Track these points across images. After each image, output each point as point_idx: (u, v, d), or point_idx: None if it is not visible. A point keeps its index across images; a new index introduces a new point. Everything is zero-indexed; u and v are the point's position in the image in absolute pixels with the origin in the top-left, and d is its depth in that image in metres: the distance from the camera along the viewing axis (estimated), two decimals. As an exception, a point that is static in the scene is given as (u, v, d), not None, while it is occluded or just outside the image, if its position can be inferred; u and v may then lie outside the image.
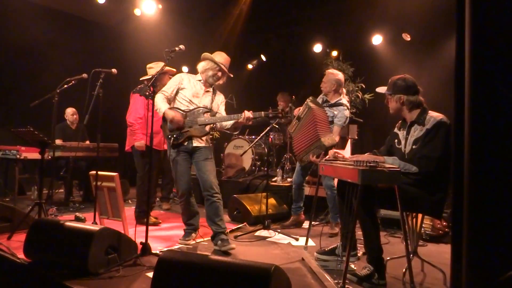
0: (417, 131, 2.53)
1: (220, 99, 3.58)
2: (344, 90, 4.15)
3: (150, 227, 3.02)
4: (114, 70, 3.73)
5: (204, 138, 3.42)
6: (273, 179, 5.23)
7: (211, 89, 3.51)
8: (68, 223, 2.70)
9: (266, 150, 5.87)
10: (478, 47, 1.16)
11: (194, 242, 3.49)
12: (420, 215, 2.65)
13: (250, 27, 7.14)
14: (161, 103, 3.36)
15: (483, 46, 1.19)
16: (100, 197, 3.54)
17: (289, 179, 5.21)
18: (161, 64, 3.89)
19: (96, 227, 2.61)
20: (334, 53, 6.39)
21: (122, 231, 3.29)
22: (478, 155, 1.10)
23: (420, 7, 5.22)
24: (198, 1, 6.76)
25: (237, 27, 7.03)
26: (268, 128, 4.59)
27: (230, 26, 7.00)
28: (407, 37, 5.74)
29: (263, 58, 7.84)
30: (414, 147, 2.51)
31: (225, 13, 6.95)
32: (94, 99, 3.65)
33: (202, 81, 3.47)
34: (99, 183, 3.47)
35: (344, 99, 4.00)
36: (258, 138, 5.11)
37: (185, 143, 3.37)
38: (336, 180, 3.73)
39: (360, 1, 6.02)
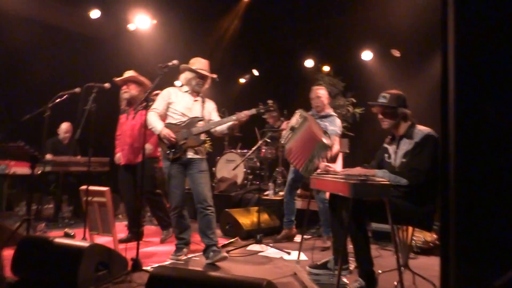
0: (406, 145, 2.57)
1: (210, 106, 3.59)
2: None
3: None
4: (107, 85, 3.75)
5: (199, 149, 3.42)
6: (265, 193, 5.23)
7: (199, 98, 3.53)
8: (57, 240, 2.65)
9: (258, 164, 5.88)
10: (461, 64, 1.20)
11: (185, 257, 3.46)
12: (410, 228, 2.67)
13: (242, 41, 7.24)
14: (155, 121, 3.38)
15: (466, 62, 1.23)
16: (91, 213, 3.50)
17: (281, 193, 5.21)
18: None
19: (85, 243, 2.57)
20: (326, 68, 6.49)
21: (113, 247, 3.26)
22: (463, 168, 1.13)
23: (409, 24, 5.36)
24: (192, 16, 6.85)
25: (229, 41, 7.12)
26: (260, 142, 4.61)
27: (223, 40, 7.08)
28: (396, 53, 5.87)
29: (255, 72, 7.93)
30: (403, 160, 2.55)
31: (218, 27, 7.04)
32: (86, 113, 3.65)
33: (189, 91, 3.50)
34: (89, 198, 3.44)
35: (331, 111, 4.15)
36: (250, 152, 5.11)
37: (182, 156, 3.37)
38: (328, 193, 3.75)
39: (351, 18, 6.16)
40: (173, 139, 3.31)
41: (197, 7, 6.60)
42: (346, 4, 5.85)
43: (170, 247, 3.61)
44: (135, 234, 3.81)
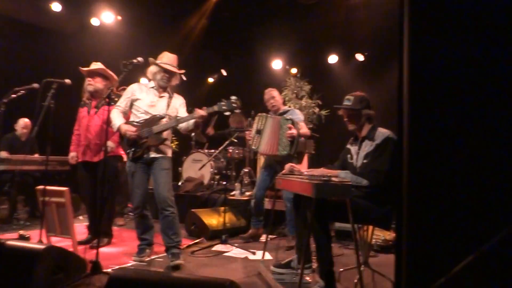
0: (367, 146, 2.66)
1: (178, 102, 3.45)
2: None
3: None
4: (67, 81, 3.59)
5: (163, 148, 3.33)
6: (232, 193, 5.23)
7: (166, 94, 3.42)
8: (10, 242, 2.51)
9: (225, 164, 5.86)
10: (415, 70, 1.26)
11: (148, 258, 3.39)
12: (371, 227, 2.76)
13: (211, 41, 7.20)
14: (116, 118, 3.28)
15: (420, 68, 1.29)
16: (48, 213, 3.35)
17: (247, 193, 5.23)
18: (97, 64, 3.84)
19: (41, 246, 2.46)
20: (294, 70, 6.58)
21: (72, 249, 3.13)
22: (415, 169, 1.18)
23: (373, 29, 5.55)
24: (159, 13, 6.73)
25: (197, 40, 7.05)
26: (227, 142, 4.61)
27: (191, 39, 7.00)
28: (360, 57, 6.06)
29: (224, 73, 7.90)
30: (364, 161, 2.63)
31: (185, 26, 6.96)
32: (44, 110, 3.49)
33: (155, 87, 3.40)
34: (47, 198, 3.29)
35: (287, 106, 4.38)
36: (217, 152, 5.10)
37: (144, 155, 3.29)
38: (293, 194, 3.82)
39: (318, 21, 6.29)
40: (133, 135, 3.22)
41: (164, 5, 6.49)
42: (313, 8, 5.96)
43: (134, 249, 3.52)
44: (95, 233, 3.70)
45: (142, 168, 3.31)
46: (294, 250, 3.13)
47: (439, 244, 1.18)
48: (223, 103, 3.16)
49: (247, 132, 4.29)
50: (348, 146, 2.88)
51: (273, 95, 4.22)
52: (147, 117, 3.31)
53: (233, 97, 3.16)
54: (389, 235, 3.91)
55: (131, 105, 3.36)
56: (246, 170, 5.78)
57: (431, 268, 1.14)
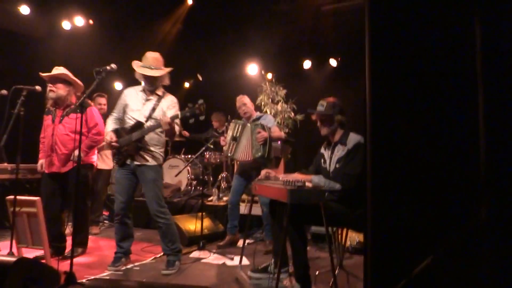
0: (340, 151, 2.73)
1: (166, 103, 3.32)
2: None
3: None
4: (38, 87, 3.50)
5: (147, 156, 3.26)
6: (209, 199, 5.22)
7: (154, 96, 3.33)
8: (-22, 255, 2.44)
9: (201, 169, 5.85)
10: (376, 78, 1.34)
11: (124, 267, 3.35)
12: (345, 230, 2.84)
13: (186, 45, 7.17)
14: (107, 125, 3.29)
15: (380, 76, 1.37)
16: (19, 224, 3.25)
17: (225, 198, 5.24)
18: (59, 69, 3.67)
19: (11, 258, 2.39)
20: (269, 75, 6.66)
21: (44, 260, 3.06)
22: (377, 173, 1.25)
23: (346, 34, 5.69)
24: (132, 16, 6.66)
25: (172, 45, 7.01)
26: (204, 147, 4.61)
27: (166, 43, 6.96)
28: (334, 63, 6.20)
29: (200, 77, 7.88)
30: (337, 165, 2.71)
31: (161, 30, 6.92)
32: (14, 117, 3.38)
33: (144, 90, 3.34)
34: (18, 208, 3.20)
35: (258, 113, 4.43)
36: (194, 157, 5.09)
37: (128, 162, 3.26)
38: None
39: (292, 27, 6.39)
40: (114, 144, 3.20)
41: (138, 9, 6.44)
42: (287, 14, 6.07)
43: (110, 259, 3.46)
44: (57, 248, 3.61)
45: (126, 175, 3.28)
46: (271, 255, 3.17)
47: (403, 245, 1.25)
48: (186, 109, 3.11)
49: (221, 138, 4.32)
50: (322, 150, 2.95)
51: (244, 102, 4.25)
52: (133, 123, 3.27)
53: (200, 101, 3.10)
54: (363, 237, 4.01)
55: (125, 112, 3.31)
56: (223, 175, 5.79)
57: (396, 268, 1.20)
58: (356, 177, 2.56)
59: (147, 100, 3.33)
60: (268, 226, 4.05)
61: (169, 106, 3.33)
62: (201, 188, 5.46)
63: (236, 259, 3.66)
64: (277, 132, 4.10)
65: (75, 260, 2.75)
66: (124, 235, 3.39)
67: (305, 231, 2.73)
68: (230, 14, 6.66)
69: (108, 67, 3.01)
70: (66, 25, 6.57)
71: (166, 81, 3.40)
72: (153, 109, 3.29)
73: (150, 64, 3.28)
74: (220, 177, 5.80)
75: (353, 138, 2.72)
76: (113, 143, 3.21)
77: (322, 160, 2.88)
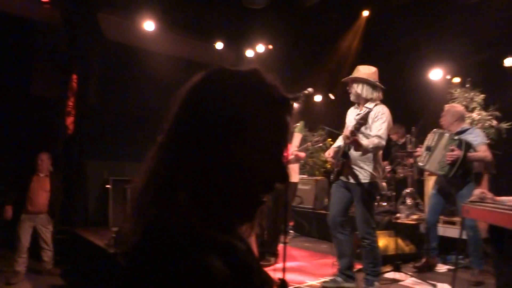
0: None
1: (372, 114, 3.10)
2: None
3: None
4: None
5: (356, 173, 3.17)
6: (396, 215, 4.93)
7: (363, 109, 3.21)
8: None
9: (384, 184, 5.59)
10: None
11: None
12: None
13: (363, 57, 7.07)
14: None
15: None
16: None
17: (413, 216, 4.86)
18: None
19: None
20: (455, 80, 5.92)
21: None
22: None
23: None
24: (309, 35, 6.94)
25: (354, 60, 6.97)
26: (396, 163, 4.43)
27: (348, 59, 6.95)
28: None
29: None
30: None
31: (340, 47, 7.01)
32: None
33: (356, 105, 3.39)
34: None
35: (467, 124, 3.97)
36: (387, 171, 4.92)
37: (340, 179, 3.28)
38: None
39: (486, 20, 5.55)
40: (330, 160, 3.36)
41: (316, 28, 6.71)
42: (477, 6, 5.30)
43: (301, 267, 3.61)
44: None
45: (339, 189, 3.30)
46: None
47: None
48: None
49: (418, 148, 4.08)
50: None
51: (444, 111, 3.93)
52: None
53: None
54: None
55: None
56: (408, 190, 5.39)
57: None
58: None
59: (357, 114, 3.25)
60: (475, 252, 3.55)
61: (374, 119, 3.13)
62: (385, 204, 5.24)
63: (440, 286, 3.33)
64: (481, 153, 3.55)
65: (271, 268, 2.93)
66: (339, 251, 3.36)
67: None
68: (406, 18, 6.26)
69: (306, 92, 3.14)
70: (249, 53, 7.38)
71: (379, 95, 3.35)
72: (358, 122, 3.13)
73: (367, 77, 3.31)
74: (404, 192, 5.41)
75: None
76: (328, 159, 3.39)
77: None
